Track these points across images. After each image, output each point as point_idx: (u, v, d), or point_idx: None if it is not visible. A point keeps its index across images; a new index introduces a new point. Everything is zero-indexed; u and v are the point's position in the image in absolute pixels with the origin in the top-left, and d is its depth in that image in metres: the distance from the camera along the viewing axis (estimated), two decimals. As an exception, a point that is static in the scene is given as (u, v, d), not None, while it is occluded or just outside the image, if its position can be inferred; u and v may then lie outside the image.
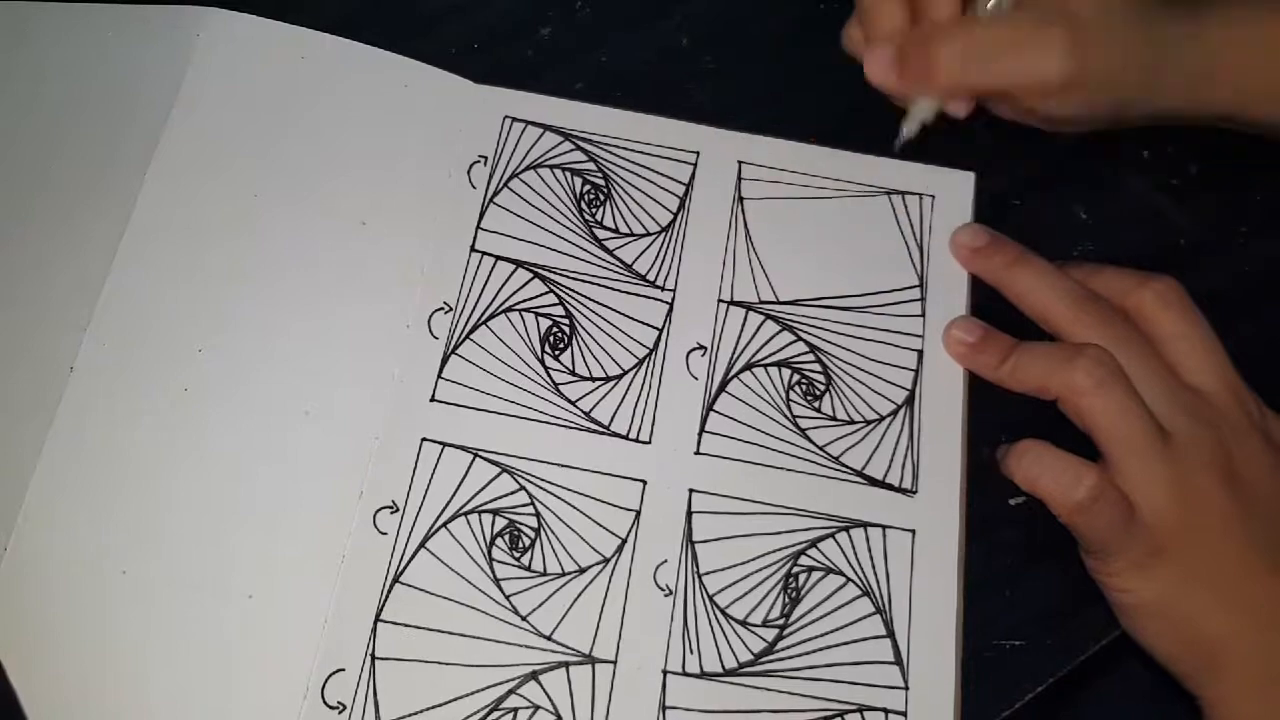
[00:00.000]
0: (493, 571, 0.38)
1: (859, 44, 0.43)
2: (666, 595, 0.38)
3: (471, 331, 0.41)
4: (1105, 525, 0.36)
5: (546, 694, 0.36)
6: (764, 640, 0.38)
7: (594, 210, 0.43)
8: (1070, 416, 0.38)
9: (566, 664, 0.37)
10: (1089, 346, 0.37)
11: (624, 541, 0.38)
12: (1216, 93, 0.41)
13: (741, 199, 0.43)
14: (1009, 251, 0.41)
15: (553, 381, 0.40)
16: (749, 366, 0.41)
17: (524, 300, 0.41)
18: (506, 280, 0.42)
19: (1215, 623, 0.36)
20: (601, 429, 0.40)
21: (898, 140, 0.43)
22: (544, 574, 0.38)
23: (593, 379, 0.41)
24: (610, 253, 0.42)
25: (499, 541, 0.38)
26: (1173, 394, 0.38)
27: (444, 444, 0.39)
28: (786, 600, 0.38)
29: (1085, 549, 0.38)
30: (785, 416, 0.40)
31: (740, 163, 0.44)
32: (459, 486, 0.39)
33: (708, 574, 0.38)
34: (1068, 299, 0.39)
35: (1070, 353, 0.38)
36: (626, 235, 0.43)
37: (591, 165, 0.44)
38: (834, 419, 0.40)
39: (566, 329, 0.41)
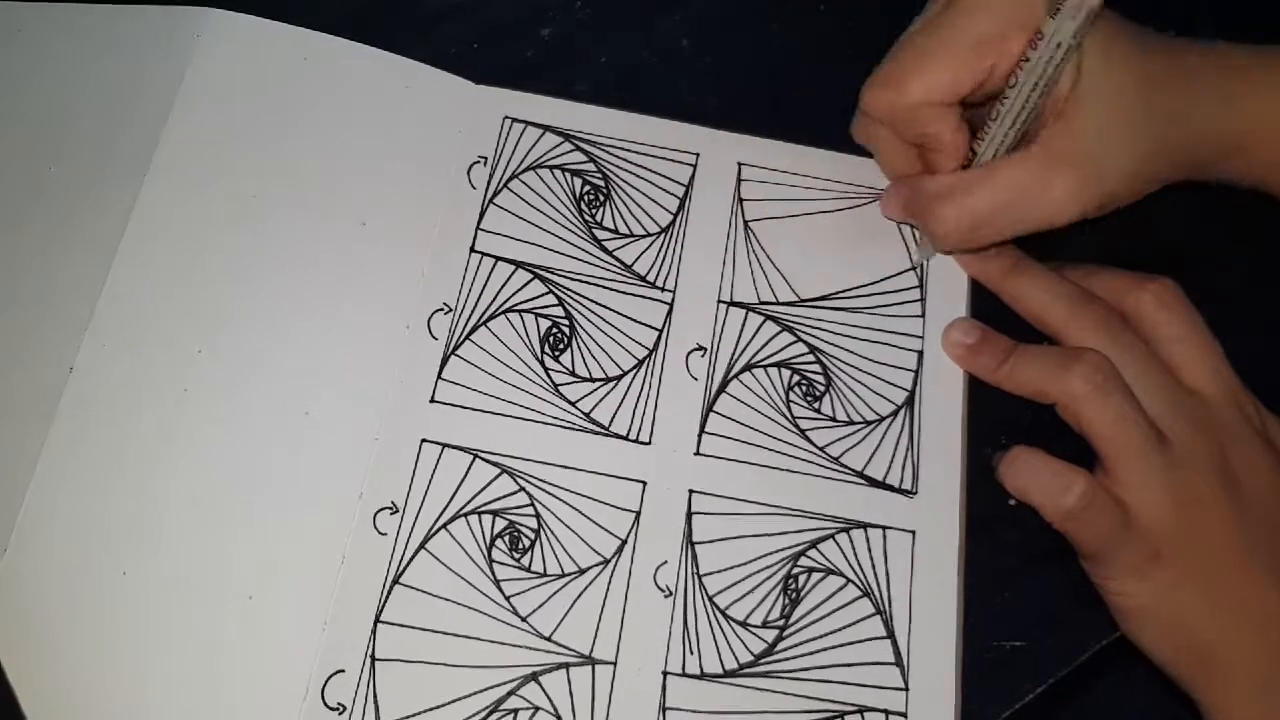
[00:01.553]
0: (493, 572, 0.38)
1: (861, 141, 0.42)
2: (666, 596, 0.38)
3: (471, 332, 0.41)
4: (1097, 532, 0.37)
5: (546, 695, 0.36)
6: (764, 641, 0.38)
7: (594, 211, 0.43)
8: (1068, 421, 0.38)
9: (566, 665, 0.37)
10: (1086, 352, 0.37)
11: (624, 542, 0.38)
12: (1244, 168, 0.40)
13: (741, 200, 0.43)
14: (1006, 257, 0.41)
15: (552, 382, 0.40)
16: (749, 367, 0.41)
17: (524, 301, 0.41)
18: (506, 281, 0.42)
19: (1212, 627, 0.36)
20: (601, 430, 0.40)
21: (912, 261, 0.43)
22: (544, 575, 0.38)
23: (592, 380, 0.41)
24: (610, 253, 0.42)
25: (499, 542, 0.38)
26: (1171, 397, 0.37)
27: (444, 445, 0.39)
28: (786, 601, 0.38)
29: (1082, 554, 0.38)
30: (785, 417, 0.40)
31: (740, 164, 0.44)
32: (459, 487, 0.39)
33: (708, 575, 0.38)
34: (1065, 302, 0.39)
35: (1067, 358, 0.38)
36: (626, 236, 0.43)
37: (591, 166, 0.44)
38: (834, 420, 0.40)
39: (566, 330, 0.41)
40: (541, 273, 0.42)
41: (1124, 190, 0.39)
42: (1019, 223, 0.39)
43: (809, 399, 0.41)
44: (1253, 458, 0.37)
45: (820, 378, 0.41)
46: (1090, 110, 0.37)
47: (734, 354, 0.41)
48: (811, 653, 0.37)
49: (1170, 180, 0.40)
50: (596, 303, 0.42)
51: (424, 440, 0.39)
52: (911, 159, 0.41)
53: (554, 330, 0.41)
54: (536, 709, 0.36)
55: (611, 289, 0.42)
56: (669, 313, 0.42)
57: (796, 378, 0.41)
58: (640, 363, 0.41)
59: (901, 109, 0.38)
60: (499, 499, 0.39)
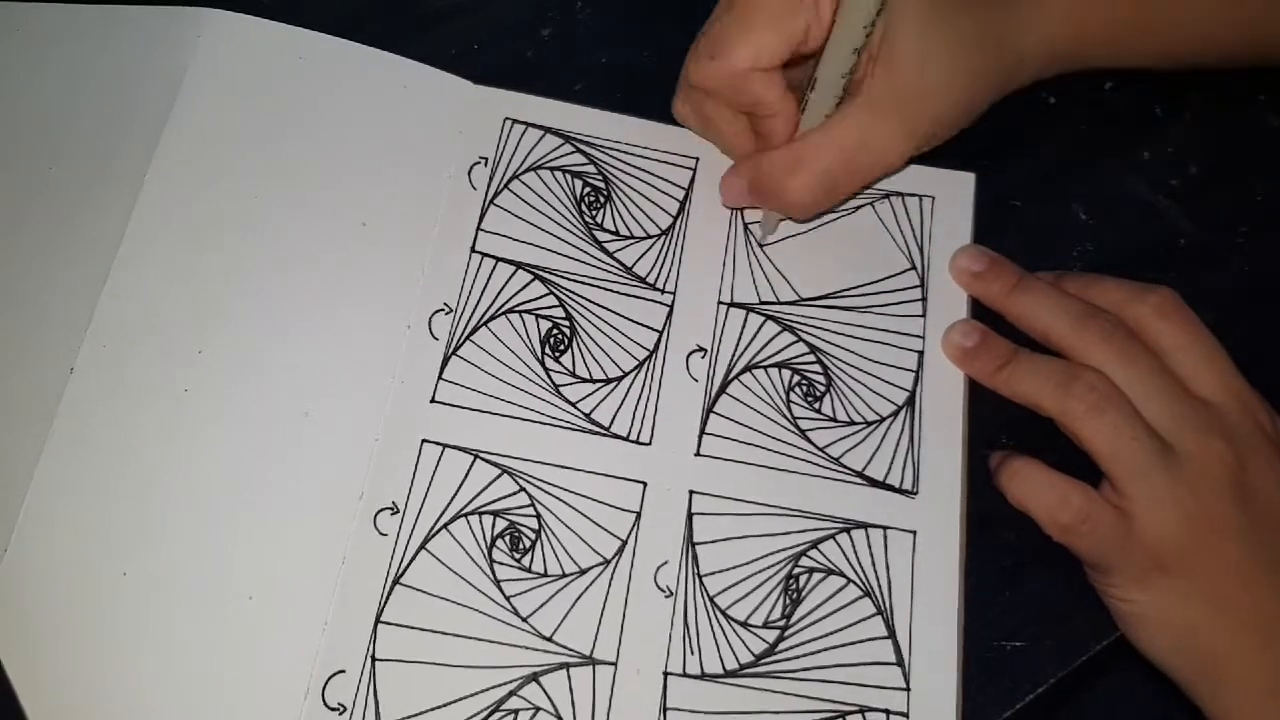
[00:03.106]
0: (493, 573, 0.38)
1: (691, 124, 0.43)
2: (667, 596, 0.38)
3: (472, 333, 0.41)
4: (1096, 545, 0.37)
5: (547, 695, 0.36)
6: (765, 641, 0.38)
7: (594, 212, 0.43)
8: (1068, 435, 0.38)
9: (567, 665, 0.37)
10: (1085, 370, 0.37)
11: (624, 543, 0.38)
12: (1061, 57, 0.43)
13: (742, 201, 0.43)
14: (1008, 277, 0.41)
15: (553, 383, 0.40)
16: (749, 368, 0.41)
17: (524, 302, 0.41)
18: (507, 282, 0.42)
19: (1217, 636, 0.36)
20: (602, 430, 0.40)
21: (759, 238, 0.43)
22: (544, 575, 0.38)
23: (593, 380, 0.41)
24: (610, 255, 0.42)
25: (499, 543, 0.38)
26: (1179, 408, 0.37)
27: (444, 445, 0.39)
28: (787, 601, 0.38)
29: (1083, 562, 0.38)
30: (786, 418, 0.40)
31: (740, 165, 0.44)
32: (459, 488, 0.39)
33: (708, 575, 0.38)
34: (1068, 318, 0.39)
35: (1065, 376, 0.37)
36: (627, 237, 0.43)
37: (591, 168, 0.44)
38: (834, 420, 0.40)
39: (567, 331, 0.41)
40: (542, 274, 0.42)
41: (949, 121, 0.40)
42: (866, 172, 0.40)
43: (809, 399, 0.41)
44: (1266, 466, 0.37)
45: (821, 378, 0.41)
46: (904, 51, 0.38)
47: (734, 355, 0.41)
48: (812, 653, 0.37)
49: (1000, 94, 0.42)
50: (597, 304, 0.42)
51: (424, 440, 0.39)
52: (744, 130, 0.41)
53: (554, 331, 0.41)
54: (537, 709, 0.36)
55: (612, 290, 0.42)
56: (669, 314, 0.42)
57: (797, 378, 0.41)
58: (641, 364, 0.41)
59: (730, 77, 0.39)
60: (500, 499, 0.39)
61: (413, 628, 0.37)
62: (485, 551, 0.38)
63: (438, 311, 0.41)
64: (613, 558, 0.38)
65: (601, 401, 0.40)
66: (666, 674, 0.37)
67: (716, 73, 0.39)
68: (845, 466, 0.40)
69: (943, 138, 0.40)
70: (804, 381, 0.41)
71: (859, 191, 0.42)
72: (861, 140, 0.39)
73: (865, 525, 0.39)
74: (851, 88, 0.39)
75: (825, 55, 0.37)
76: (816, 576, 0.38)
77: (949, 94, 0.40)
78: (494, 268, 0.42)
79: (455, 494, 0.39)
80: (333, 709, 0.36)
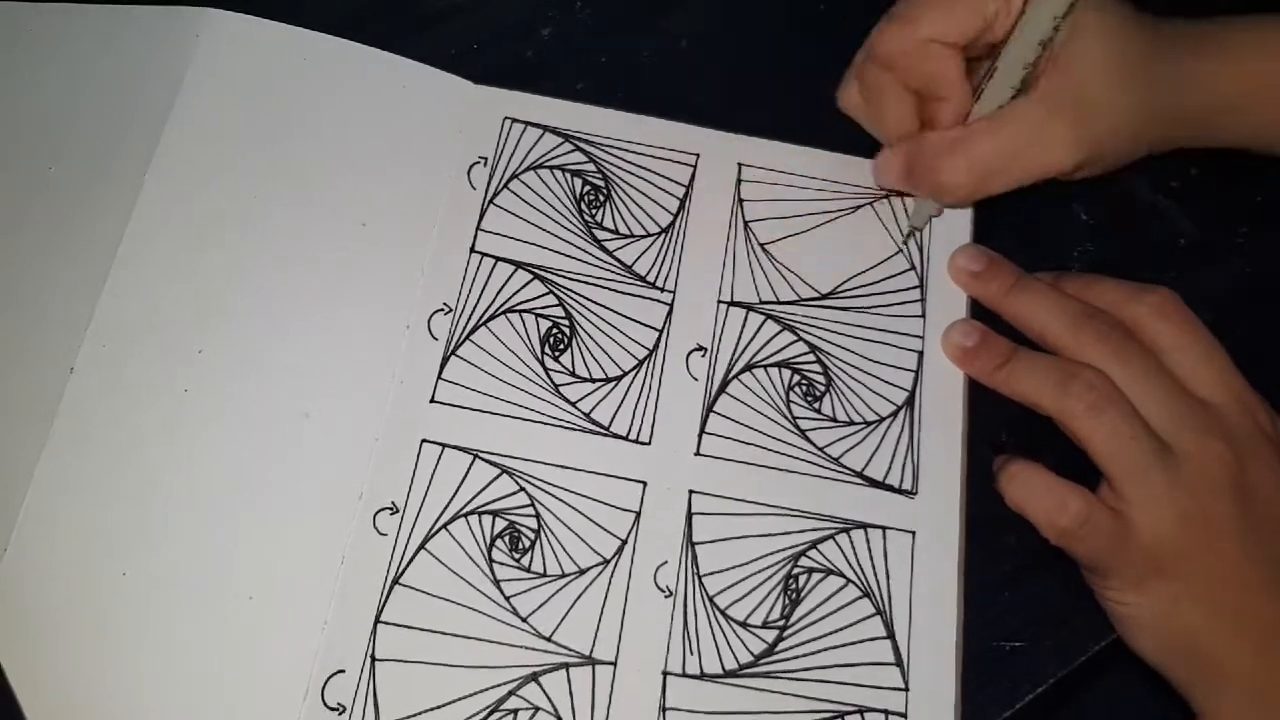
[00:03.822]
0: (493, 573, 0.38)
1: (858, 110, 0.43)
2: (666, 596, 0.38)
3: (471, 332, 0.41)
4: (1094, 549, 0.37)
5: (546, 695, 0.36)
6: (764, 641, 0.38)
7: (594, 211, 0.43)
8: (1067, 435, 0.38)
9: (566, 665, 0.37)
10: (1084, 370, 0.37)
11: (624, 543, 0.38)
12: (1237, 127, 0.42)
13: (741, 200, 0.43)
14: (1006, 277, 0.41)
15: (553, 382, 0.40)
16: (749, 367, 0.41)
17: (524, 301, 0.41)
18: (506, 281, 0.42)
19: (1215, 638, 0.36)
20: (601, 430, 0.40)
21: (904, 232, 0.43)
22: (544, 575, 0.38)
23: (593, 380, 0.41)
24: (610, 254, 0.42)
25: (499, 543, 0.38)
26: (1178, 408, 0.37)
27: (444, 445, 0.39)
28: (787, 601, 0.38)
29: (1081, 565, 0.38)
30: (785, 417, 0.40)
31: (740, 165, 0.44)
32: (459, 488, 0.39)
33: (708, 575, 0.38)
34: (1067, 319, 0.39)
35: (1064, 375, 0.37)
36: (626, 236, 0.43)
37: (591, 166, 0.44)
38: (834, 420, 0.40)
39: (566, 330, 0.41)
40: (541, 273, 0.42)
41: (1116, 142, 0.40)
42: (1025, 170, 0.40)
43: (809, 399, 0.41)
44: (1265, 467, 0.37)
45: (820, 378, 0.41)
46: (1086, 62, 0.39)
47: (734, 354, 0.41)
48: (811, 653, 0.37)
49: (1155, 146, 0.42)
50: (597, 303, 0.42)
51: (424, 440, 0.39)
52: (910, 113, 0.41)
53: (554, 330, 0.41)
54: (536, 709, 0.36)
55: (612, 289, 0.42)
56: (669, 313, 0.42)
57: (797, 378, 0.41)
58: (640, 363, 0.41)
59: (913, 45, 0.39)
60: (499, 499, 0.39)
61: (412, 627, 0.37)
62: (485, 551, 0.38)
63: (437, 311, 0.41)
64: (612, 557, 0.38)
65: (601, 401, 0.40)
66: (666, 674, 0.37)
67: (901, 37, 0.39)
68: (845, 466, 0.40)
69: (1109, 161, 0.41)
70: (804, 381, 0.41)
71: (1015, 187, 0.41)
72: (1030, 134, 0.39)
73: (865, 525, 0.39)
74: (1029, 85, 0.39)
75: (1009, 44, 0.38)
76: (816, 576, 0.38)
77: (1117, 123, 0.40)
78: (494, 267, 0.42)
79: (455, 494, 0.39)
80: (332, 709, 0.36)
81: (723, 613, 0.38)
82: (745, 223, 0.43)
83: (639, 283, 0.42)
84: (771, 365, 0.41)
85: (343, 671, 0.36)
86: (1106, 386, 0.37)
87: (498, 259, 0.42)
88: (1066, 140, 0.39)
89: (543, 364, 0.41)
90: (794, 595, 0.38)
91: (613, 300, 0.42)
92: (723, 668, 0.37)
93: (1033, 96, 0.39)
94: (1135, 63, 0.40)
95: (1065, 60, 0.39)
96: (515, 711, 0.36)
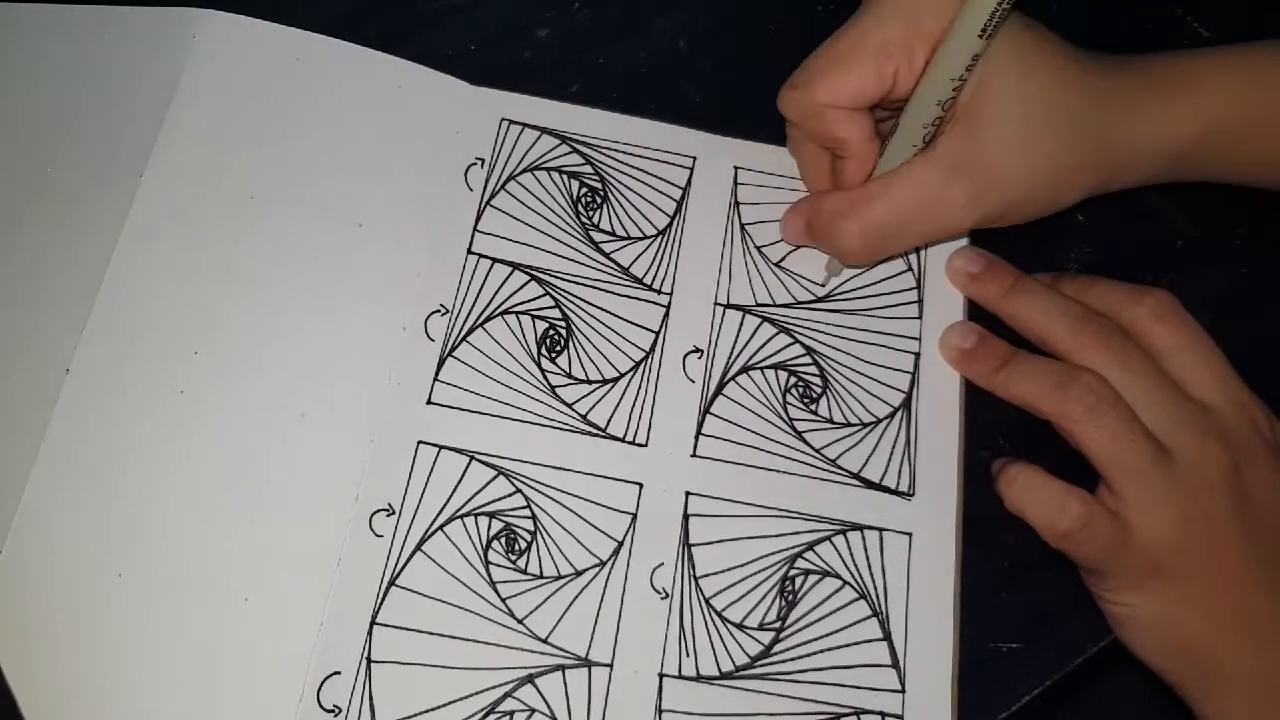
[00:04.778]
0: (489, 574, 0.38)
1: (791, 152, 0.43)
2: (663, 598, 0.38)
3: (468, 334, 0.41)
4: (1093, 551, 0.36)
5: (542, 697, 0.36)
6: (760, 643, 0.38)
7: (591, 213, 0.43)
8: (1065, 437, 0.38)
9: (562, 667, 0.37)
10: (1082, 372, 0.37)
11: (620, 544, 0.38)
12: (1186, 172, 0.41)
13: (738, 203, 0.43)
14: (1004, 278, 0.41)
15: (549, 384, 0.40)
16: (745, 369, 0.41)
17: (521, 303, 0.41)
18: (503, 283, 0.42)
19: (1212, 639, 0.36)
20: (598, 432, 0.40)
21: (822, 283, 0.43)
22: (540, 577, 0.38)
23: (589, 382, 0.41)
24: (607, 256, 0.42)
25: (495, 544, 0.38)
26: (1176, 411, 0.37)
27: (440, 447, 0.39)
28: (783, 603, 0.38)
29: (1080, 567, 0.38)
30: (782, 419, 0.40)
31: (737, 168, 0.44)
32: (455, 489, 0.39)
33: (704, 577, 0.38)
34: (1065, 321, 0.39)
35: (1062, 379, 0.37)
36: (623, 238, 0.43)
37: (588, 168, 0.43)
38: (831, 421, 0.40)
39: (563, 332, 0.41)
40: (538, 275, 0.42)
41: (1028, 200, 0.39)
42: (920, 233, 0.40)
43: (805, 401, 0.41)
44: (1262, 469, 0.37)
45: (817, 380, 0.41)
46: (991, 119, 0.37)
47: (731, 356, 0.41)
48: (808, 655, 0.37)
49: (1096, 192, 0.40)
50: (593, 305, 0.42)
51: (420, 442, 0.39)
52: (824, 167, 0.41)
53: (551, 332, 0.41)
54: (532, 711, 0.36)
55: (608, 291, 0.42)
56: (666, 315, 0.42)
57: (793, 380, 0.41)
58: (637, 365, 0.41)
59: (810, 110, 0.39)
60: (495, 501, 0.39)
61: (408, 629, 0.37)
62: (481, 553, 0.38)
63: (434, 313, 0.41)
64: (609, 559, 0.38)
65: (598, 403, 0.40)
66: (662, 676, 0.37)
67: (796, 102, 0.39)
68: (841, 468, 0.40)
69: (1013, 220, 0.40)
70: (800, 383, 0.41)
71: (915, 248, 0.42)
72: (922, 197, 0.38)
73: (861, 527, 0.39)
74: (931, 143, 0.38)
75: (909, 103, 0.37)
76: (812, 578, 0.38)
77: (1028, 180, 0.38)
78: (490, 269, 0.42)
79: (451, 495, 0.39)
80: (328, 710, 0.36)
81: (719, 614, 0.38)
82: (742, 225, 0.43)
83: (636, 285, 0.42)
84: (768, 367, 0.41)
85: (338, 673, 0.36)
86: (1105, 389, 0.37)
87: (495, 260, 0.42)
88: (960, 202, 0.38)
89: (539, 365, 0.41)
90: (790, 597, 0.38)
91: (609, 302, 0.42)
92: (719, 670, 0.37)
93: (930, 157, 0.38)
94: (1064, 114, 0.38)
95: (971, 118, 0.38)
96: (511, 713, 0.36)
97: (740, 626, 0.38)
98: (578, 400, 0.40)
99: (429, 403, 0.40)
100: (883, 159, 0.39)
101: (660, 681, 0.37)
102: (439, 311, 0.41)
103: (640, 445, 0.40)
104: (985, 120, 0.37)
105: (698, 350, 0.41)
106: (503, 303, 0.41)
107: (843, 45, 0.38)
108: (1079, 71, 0.39)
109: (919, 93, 0.37)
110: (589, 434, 0.40)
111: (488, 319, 0.41)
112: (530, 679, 0.37)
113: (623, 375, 0.41)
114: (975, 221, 0.39)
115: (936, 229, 0.39)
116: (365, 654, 0.36)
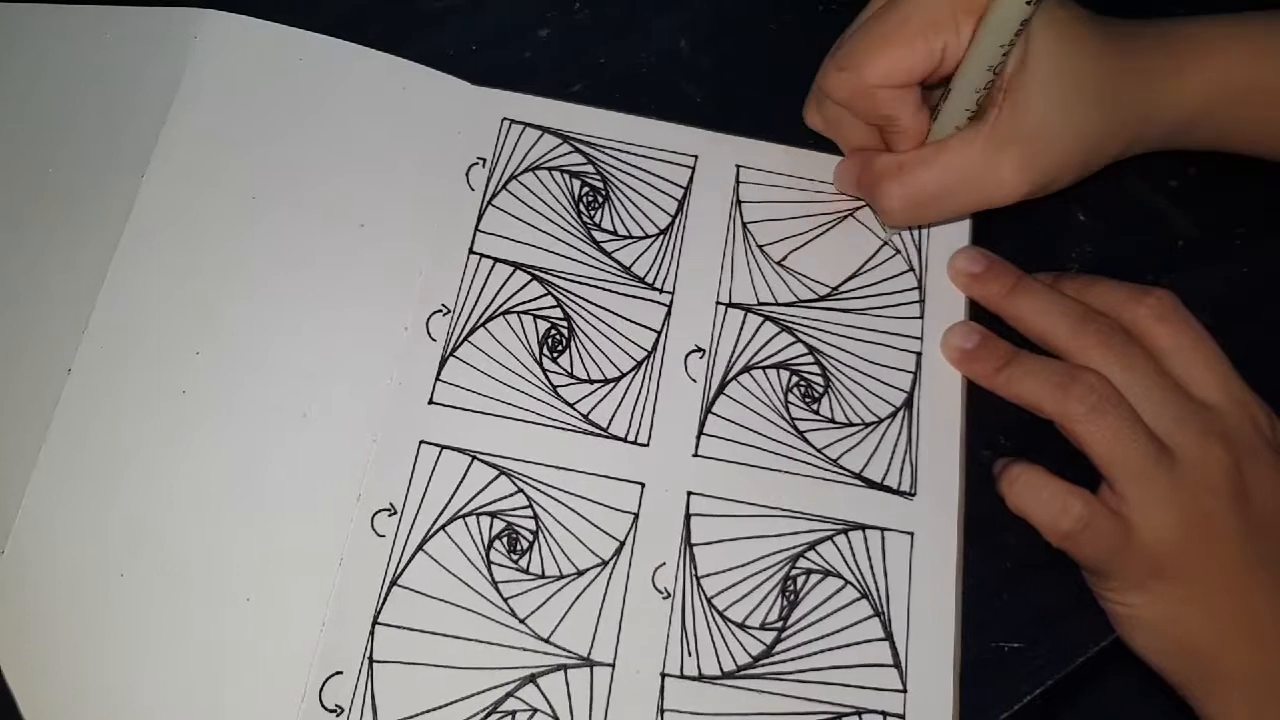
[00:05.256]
0: (491, 574, 0.38)
1: (823, 130, 0.43)
2: (665, 598, 0.38)
3: (470, 334, 0.41)
4: (1095, 551, 0.36)
5: (544, 697, 0.36)
6: (762, 643, 0.38)
7: (592, 212, 0.43)
8: (1067, 437, 0.38)
9: (564, 667, 0.37)
10: (1084, 372, 0.37)
11: (622, 544, 0.38)
12: (1202, 137, 0.42)
13: (739, 202, 0.43)
14: (1006, 278, 0.41)
15: (551, 384, 0.40)
16: (747, 369, 0.41)
17: (522, 302, 0.41)
18: (505, 282, 0.42)
19: (1214, 639, 0.36)
20: (600, 431, 0.40)
21: (883, 233, 0.43)
22: (542, 576, 0.38)
23: (591, 381, 0.41)
24: (609, 255, 0.42)
25: (497, 544, 0.38)
26: (1178, 410, 0.37)
27: (442, 446, 0.39)
28: (785, 603, 0.38)
29: (1082, 567, 0.38)
30: (783, 419, 0.40)
31: (738, 166, 0.44)
32: (457, 489, 0.39)
33: (706, 576, 0.38)
34: (1067, 321, 0.39)
35: (1064, 378, 0.37)
36: (625, 238, 0.43)
37: (590, 168, 0.43)
38: (832, 421, 0.40)
39: (565, 331, 0.41)
40: (540, 274, 0.42)
41: (1065, 170, 0.39)
42: (964, 202, 0.40)
43: (807, 400, 0.41)
44: (1264, 470, 0.37)
45: (819, 379, 0.41)
46: (1036, 90, 0.38)
47: (732, 355, 0.41)
48: (810, 654, 0.37)
49: (1119, 158, 0.41)
50: (595, 304, 0.42)
51: (422, 442, 0.39)
52: (871, 137, 0.41)
53: (552, 332, 0.41)
54: (534, 710, 0.36)
55: (610, 290, 0.42)
56: (667, 314, 0.42)
57: (795, 379, 0.41)
58: (639, 364, 0.41)
59: (861, 91, 0.39)
60: (497, 500, 0.39)
61: (410, 629, 0.37)
62: (483, 553, 0.38)
63: (435, 312, 0.41)
64: (610, 559, 0.38)
65: (599, 402, 0.40)
66: (664, 675, 0.37)
67: (847, 85, 0.39)
68: (843, 468, 0.40)
69: (1057, 187, 0.40)
70: (802, 382, 0.41)
71: (956, 217, 0.42)
72: (969, 167, 0.38)
73: (863, 527, 0.39)
74: (983, 111, 0.38)
75: (960, 69, 0.37)
76: (814, 578, 0.38)
77: (1069, 150, 0.39)
78: (492, 268, 0.42)
79: (453, 495, 0.39)
80: (330, 710, 0.36)
81: (721, 614, 0.38)
82: (744, 224, 0.43)
83: (637, 284, 0.42)
84: (770, 366, 0.41)
85: (341, 673, 0.36)
86: (1107, 389, 0.37)
87: (496, 260, 0.42)
88: (1012, 173, 0.38)
89: (541, 365, 0.41)
90: (792, 597, 0.38)
91: (611, 301, 0.42)
92: (721, 669, 0.37)
93: (980, 129, 0.38)
94: (1095, 84, 0.39)
95: (1016, 90, 0.38)
96: (513, 713, 0.36)
97: (742, 626, 0.38)
98: (579, 400, 0.40)
99: (431, 402, 0.40)
100: (935, 126, 0.39)
101: (662, 681, 0.37)
102: (440, 311, 0.41)
103: (642, 445, 0.40)
104: (1031, 93, 0.38)
105: (699, 350, 0.41)
106: (504, 302, 0.41)
107: (889, 24, 0.38)
108: (1104, 41, 0.39)
109: (969, 60, 0.37)
110: (591, 434, 0.40)
111: (489, 319, 0.41)
112: (532, 679, 0.37)
113: (624, 375, 0.41)
114: (1026, 192, 0.39)
115: (985, 198, 0.39)
116: (367, 654, 0.36)
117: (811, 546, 0.39)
